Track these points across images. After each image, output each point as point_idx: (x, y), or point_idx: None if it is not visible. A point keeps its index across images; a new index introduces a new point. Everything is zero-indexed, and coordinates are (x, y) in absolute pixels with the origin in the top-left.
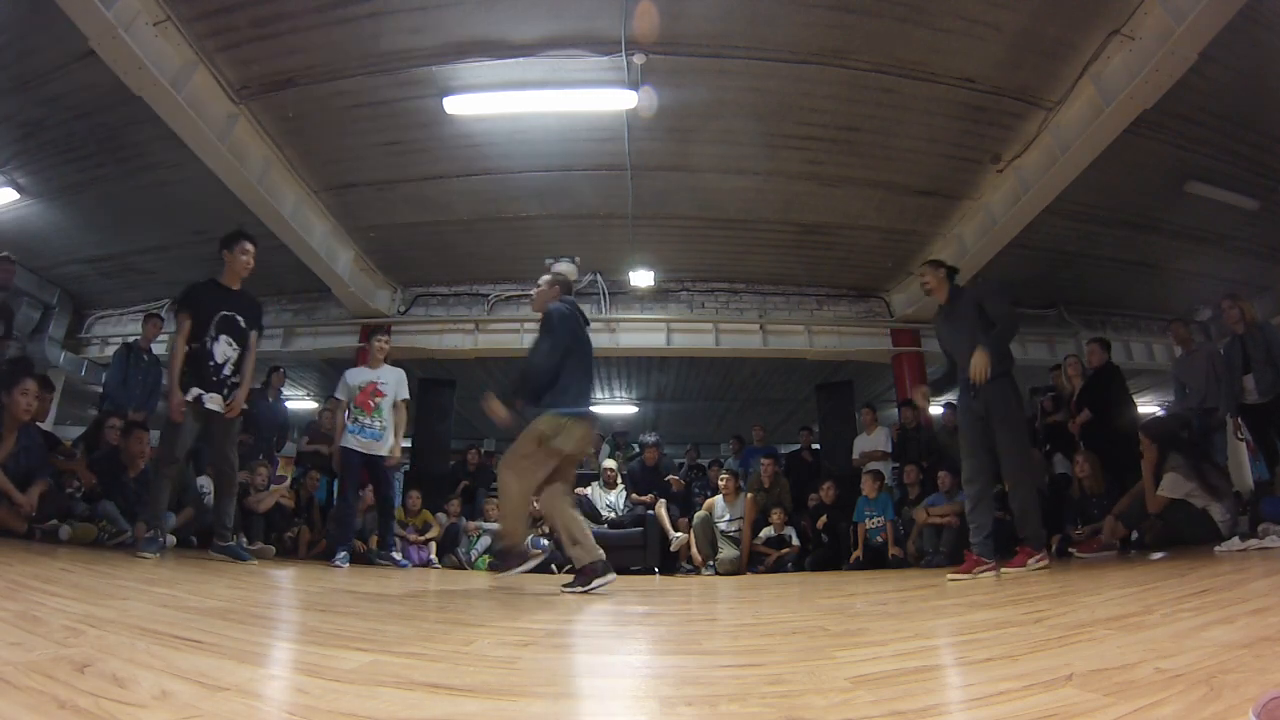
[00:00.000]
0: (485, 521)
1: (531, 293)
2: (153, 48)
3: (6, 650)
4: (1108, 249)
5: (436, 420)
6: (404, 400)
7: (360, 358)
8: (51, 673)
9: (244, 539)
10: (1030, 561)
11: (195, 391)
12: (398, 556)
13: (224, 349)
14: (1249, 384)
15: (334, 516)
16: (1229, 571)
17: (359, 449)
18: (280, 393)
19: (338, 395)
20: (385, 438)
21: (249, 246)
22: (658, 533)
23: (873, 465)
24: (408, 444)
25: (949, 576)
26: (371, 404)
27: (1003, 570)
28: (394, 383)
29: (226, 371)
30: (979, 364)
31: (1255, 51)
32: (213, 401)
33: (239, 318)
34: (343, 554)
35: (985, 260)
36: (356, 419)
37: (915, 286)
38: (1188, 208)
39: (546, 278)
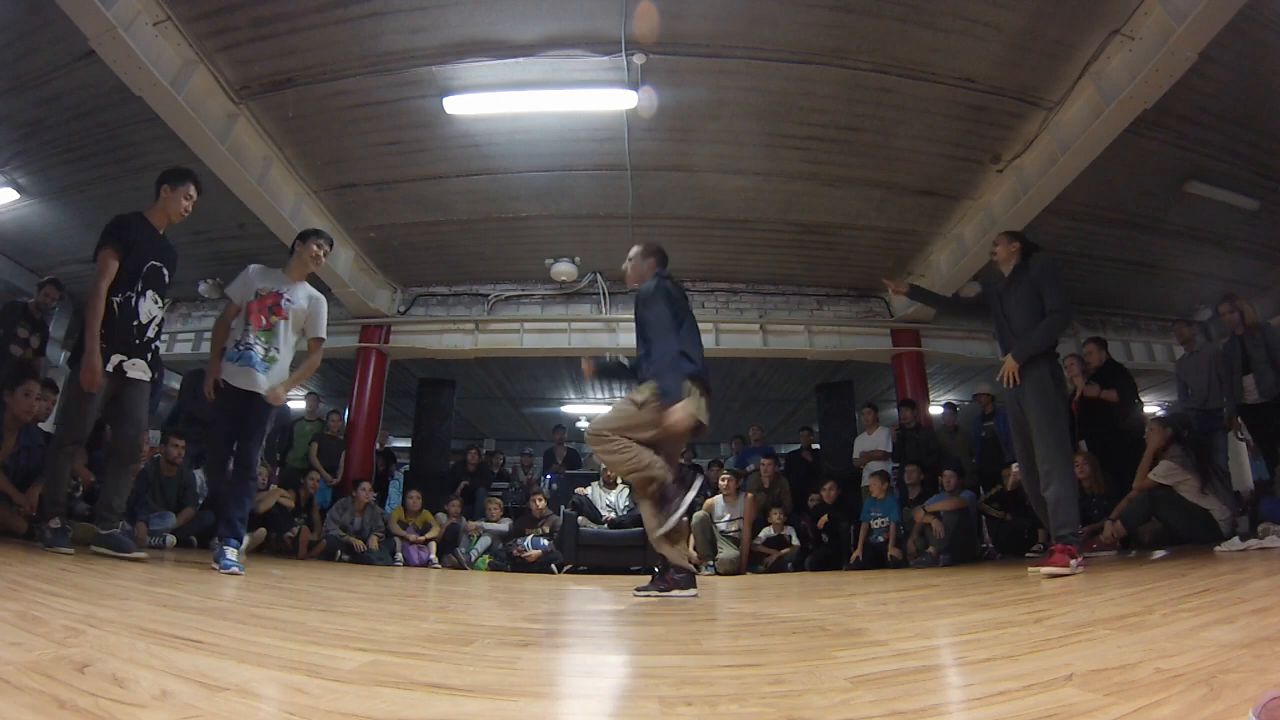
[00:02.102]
0: (485, 521)
1: (624, 267)
2: (153, 48)
3: (6, 650)
4: (1108, 249)
5: (437, 420)
6: (318, 340)
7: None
8: (51, 673)
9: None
10: (1073, 563)
11: (116, 359)
12: (231, 556)
13: (149, 307)
14: (1249, 384)
15: (212, 495)
16: (1229, 571)
17: (232, 381)
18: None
19: (229, 293)
20: (272, 373)
21: (193, 192)
22: None
23: (874, 465)
24: (406, 443)
25: (1039, 570)
26: (265, 320)
27: (1043, 571)
28: (304, 305)
29: (150, 333)
30: (1007, 368)
31: (1255, 51)
32: (136, 369)
33: (164, 270)
34: (232, 550)
35: (985, 260)
36: (240, 339)
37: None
38: (1188, 208)
39: (638, 249)
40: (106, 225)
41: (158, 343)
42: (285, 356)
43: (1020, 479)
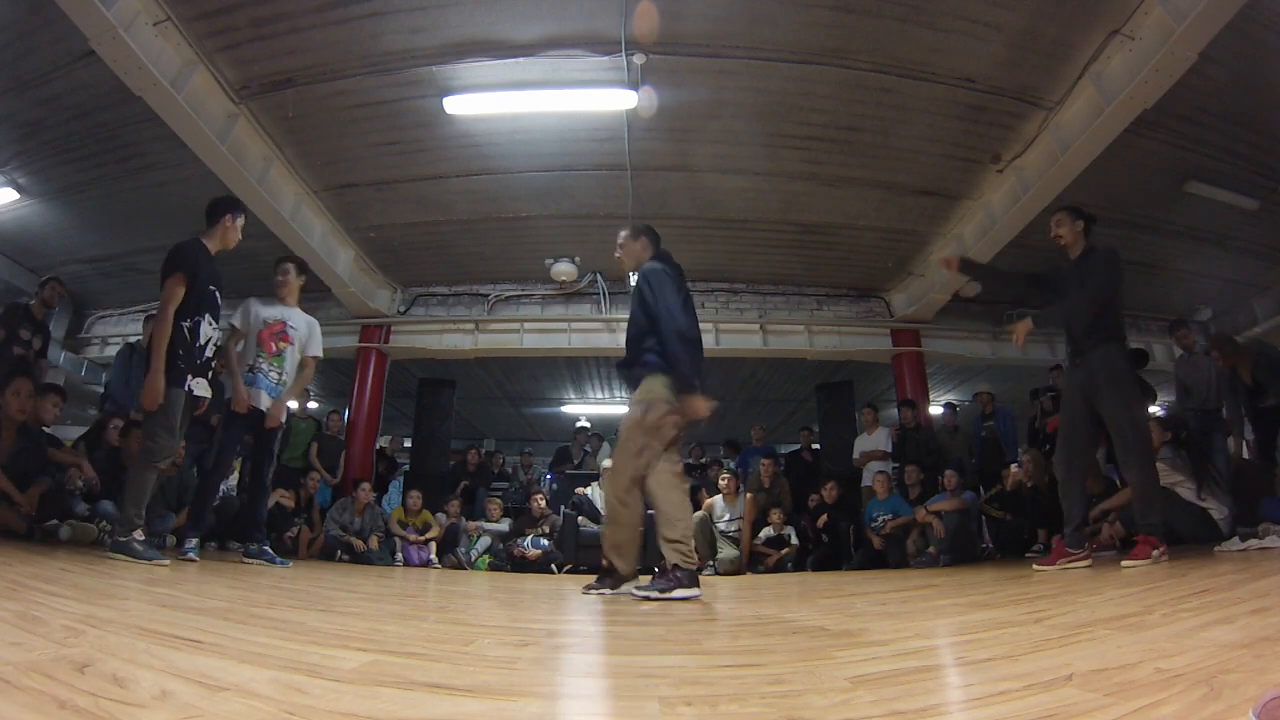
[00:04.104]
0: (485, 521)
1: (616, 255)
2: (153, 48)
3: (6, 650)
4: None
5: (437, 420)
6: (313, 358)
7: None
8: (51, 673)
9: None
10: (1155, 554)
11: (190, 381)
12: (191, 544)
13: (207, 329)
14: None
15: (199, 491)
16: (1229, 571)
17: (252, 403)
18: None
19: (235, 323)
20: (281, 395)
21: (242, 220)
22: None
23: (874, 465)
24: (407, 444)
25: (1035, 567)
26: (274, 347)
27: (1125, 563)
28: (304, 330)
29: (209, 353)
30: (1019, 329)
31: (1255, 51)
32: (200, 387)
33: (218, 294)
34: (192, 540)
35: (985, 260)
36: (254, 364)
37: (916, 286)
38: (1188, 208)
39: (625, 232)
40: (174, 252)
41: (214, 361)
42: (290, 378)
43: (1024, 475)
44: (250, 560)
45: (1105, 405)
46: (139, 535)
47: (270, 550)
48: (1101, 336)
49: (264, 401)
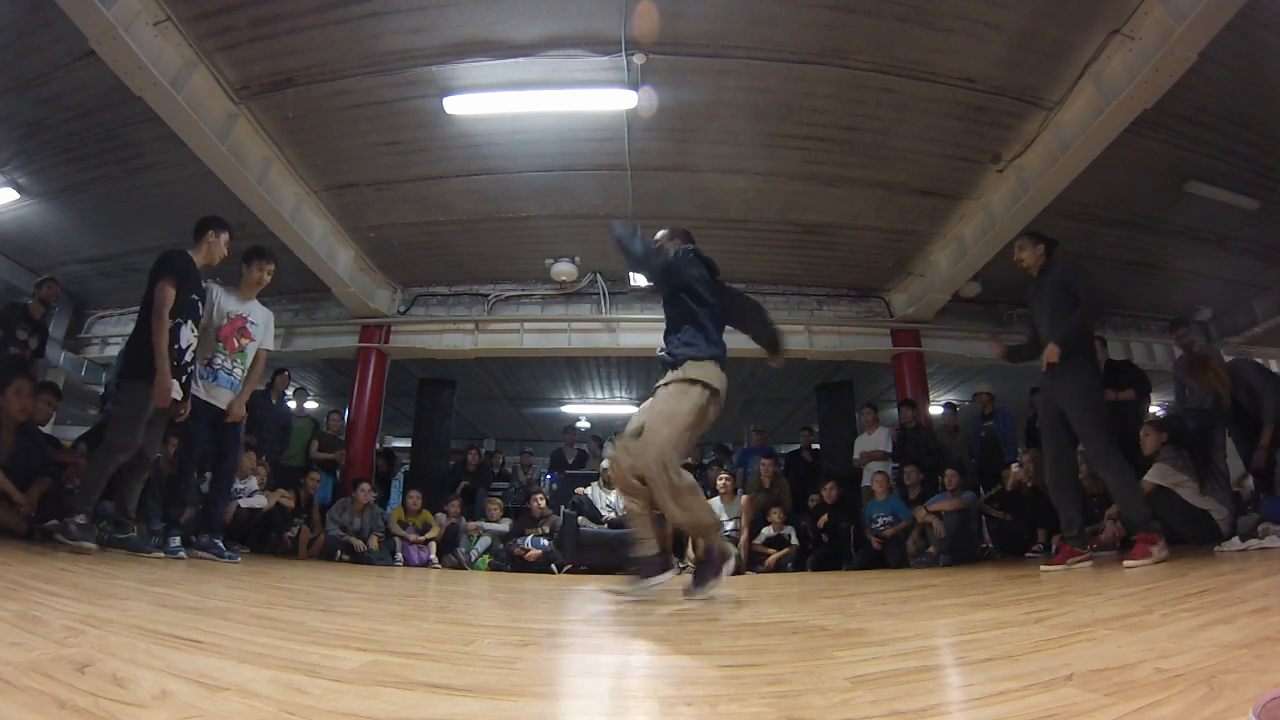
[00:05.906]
0: (485, 521)
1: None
2: (153, 48)
3: (6, 650)
4: (1108, 249)
5: (436, 420)
6: (265, 350)
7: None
8: (51, 673)
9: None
10: (1155, 550)
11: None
12: (176, 543)
13: (188, 335)
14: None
15: (168, 490)
16: (1229, 571)
17: (211, 401)
18: (284, 394)
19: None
20: (240, 391)
21: (229, 238)
22: None
23: (874, 466)
24: (407, 443)
25: (1043, 568)
26: (237, 343)
27: (1127, 563)
28: (263, 326)
29: (187, 358)
30: (1049, 354)
31: (1255, 51)
32: (175, 390)
33: (200, 304)
34: (176, 539)
35: (985, 260)
36: (212, 359)
37: (916, 286)
38: (1188, 208)
39: (664, 232)
40: (164, 258)
41: (191, 367)
42: (246, 372)
43: (1024, 475)
44: (201, 553)
45: (1074, 423)
46: (80, 520)
47: (220, 544)
48: (1072, 348)
49: (224, 398)
